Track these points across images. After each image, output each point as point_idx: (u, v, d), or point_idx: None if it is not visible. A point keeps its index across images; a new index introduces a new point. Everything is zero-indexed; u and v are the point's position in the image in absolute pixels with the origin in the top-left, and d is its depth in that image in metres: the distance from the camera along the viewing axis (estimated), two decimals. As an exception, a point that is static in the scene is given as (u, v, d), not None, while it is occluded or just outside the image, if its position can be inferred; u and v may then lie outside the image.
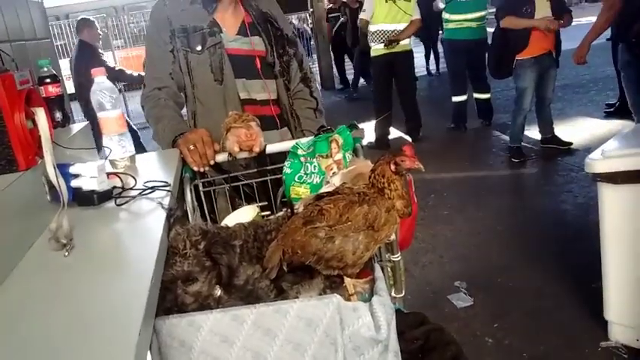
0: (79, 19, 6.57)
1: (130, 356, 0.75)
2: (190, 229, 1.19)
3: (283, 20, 2.11)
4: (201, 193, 1.78)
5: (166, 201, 1.33)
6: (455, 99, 6.50)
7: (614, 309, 2.39)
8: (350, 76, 10.79)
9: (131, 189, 1.41)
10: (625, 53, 3.83)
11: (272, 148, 1.80)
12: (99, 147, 1.93)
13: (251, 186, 1.85)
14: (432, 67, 11.50)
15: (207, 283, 1.16)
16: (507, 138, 5.57)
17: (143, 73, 2.07)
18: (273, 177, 1.81)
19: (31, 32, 1.98)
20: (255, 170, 1.83)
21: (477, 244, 3.70)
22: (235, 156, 1.76)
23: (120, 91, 5.97)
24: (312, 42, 12.50)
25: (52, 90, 1.75)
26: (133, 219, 1.31)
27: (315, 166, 1.67)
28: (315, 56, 12.13)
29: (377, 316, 1.10)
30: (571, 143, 5.28)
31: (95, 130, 1.85)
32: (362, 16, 6.19)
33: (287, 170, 1.71)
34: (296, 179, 1.68)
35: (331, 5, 11.04)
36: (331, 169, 1.63)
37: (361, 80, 10.39)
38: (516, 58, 4.94)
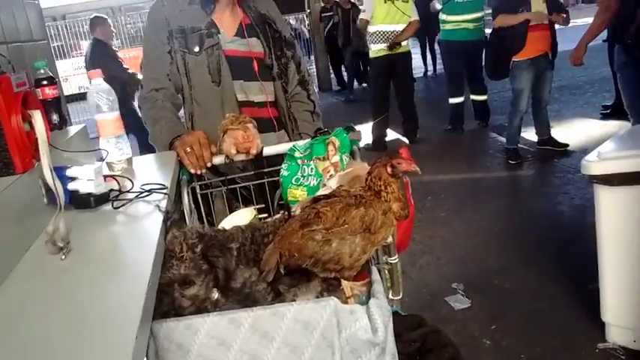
0: (91, 17, 6.53)
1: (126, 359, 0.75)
2: (187, 232, 1.19)
3: (281, 22, 2.11)
4: (199, 196, 1.78)
5: (163, 204, 1.33)
6: (452, 100, 6.51)
7: (611, 311, 2.40)
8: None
9: (128, 192, 1.41)
10: (621, 55, 3.84)
11: (269, 150, 1.80)
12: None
13: (248, 188, 1.85)
14: (430, 68, 11.52)
15: (205, 287, 1.16)
16: (504, 139, 5.58)
17: None
18: (270, 179, 1.81)
19: (27, 33, 1.98)
20: (253, 173, 1.83)
21: (474, 245, 3.71)
22: (232, 158, 1.76)
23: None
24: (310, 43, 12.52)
25: (49, 92, 1.74)
26: (130, 222, 1.31)
27: (312, 168, 1.67)
28: (312, 57, 12.14)
29: (374, 319, 1.10)
30: (567, 145, 5.29)
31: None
32: (362, 16, 6.20)
33: (284, 173, 1.71)
34: (293, 182, 1.68)
35: (324, 5, 11.04)
36: (328, 172, 1.63)
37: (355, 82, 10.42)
38: (513, 59, 4.96)
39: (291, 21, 12.68)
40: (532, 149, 5.50)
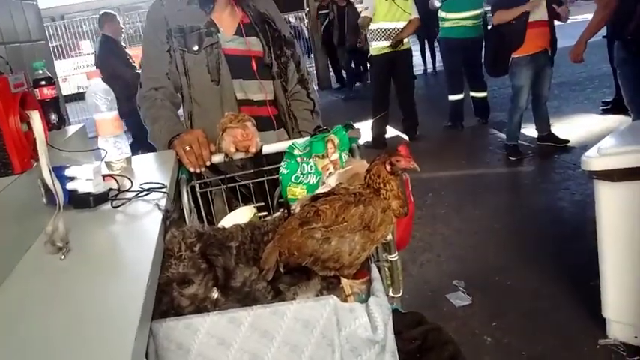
0: (100, 13, 6.51)
1: (126, 359, 0.75)
2: (186, 232, 1.19)
3: (281, 21, 2.11)
4: (198, 195, 1.78)
5: (162, 203, 1.33)
6: (451, 97, 6.51)
7: (612, 307, 2.39)
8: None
9: (127, 191, 1.41)
10: (621, 51, 3.84)
11: (268, 148, 1.80)
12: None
13: (248, 187, 1.85)
14: (429, 65, 11.52)
15: (204, 286, 1.16)
16: (504, 136, 5.58)
17: None
18: (269, 178, 1.81)
19: (25, 34, 1.97)
20: (252, 171, 1.83)
21: (475, 242, 3.71)
22: (231, 157, 1.76)
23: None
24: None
25: (48, 92, 1.74)
26: (129, 221, 1.31)
27: (311, 166, 1.67)
28: (312, 56, 12.13)
29: (374, 317, 1.10)
30: (568, 141, 5.29)
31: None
32: (364, 13, 6.17)
33: (283, 171, 1.71)
34: (292, 180, 1.68)
35: (320, 2, 11.03)
36: (327, 170, 1.63)
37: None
38: (512, 56, 4.96)
39: (291, 19, 12.66)
40: (532, 145, 5.49)
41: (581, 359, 2.40)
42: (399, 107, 6.50)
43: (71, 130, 1.81)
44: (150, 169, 1.70)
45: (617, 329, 2.42)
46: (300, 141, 1.75)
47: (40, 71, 1.75)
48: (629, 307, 2.33)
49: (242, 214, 1.65)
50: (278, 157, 1.77)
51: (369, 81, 11.07)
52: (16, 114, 1.22)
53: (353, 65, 10.58)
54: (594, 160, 2.25)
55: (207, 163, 1.75)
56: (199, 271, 1.15)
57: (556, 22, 5.02)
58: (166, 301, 1.12)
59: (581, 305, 2.73)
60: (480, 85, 6.44)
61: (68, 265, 1.07)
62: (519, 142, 5.32)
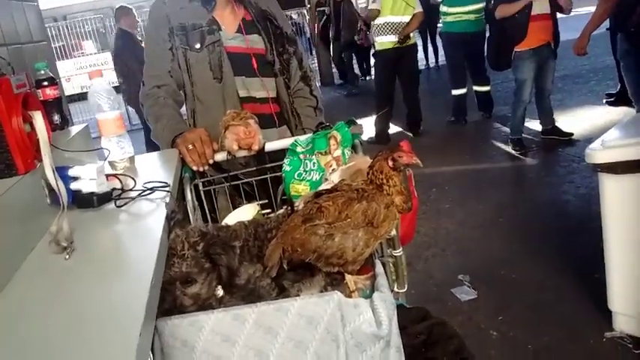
0: (116, 7, 6.50)
1: (131, 358, 0.75)
2: (189, 231, 1.19)
3: (282, 18, 2.11)
4: (202, 193, 1.78)
5: (166, 201, 1.33)
6: (454, 92, 6.50)
7: (618, 299, 2.39)
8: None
9: (131, 190, 1.41)
10: (624, 43, 3.82)
11: (271, 145, 1.80)
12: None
13: (251, 184, 1.85)
14: (432, 60, 11.50)
15: (207, 285, 1.16)
16: (508, 130, 5.57)
17: None
18: (272, 175, 1.81)
19: (27, 35, 1.98)
20: (255, 168, 1.83)
21: (479, 237, 3.70)
22: (234, 154, 1.76)
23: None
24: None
25: (50, 93, 1.74)
26: (132, 220, 1.31)
27: (314, 163, 1.67)
28: (314, 52, 12.12)
29: (378, 312, 1.11)
30: (572, 134, 5.27)
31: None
32: (372, 6, 6.11)
33: (286, 168, 1.71)
34: (295, 177, 1.68)
35: None
36: (330, 166, 1.63)
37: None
38: (515, 49, 4.94)
39: (293, 16, 12.64)
40: (536, 139, 5.48)
41: (588, 352, 2.40)
42: (403, 102, 6.48)
43: (74, 130, 1.81)
44: (153, 167, 1.70)
45: (624, 322, 2.41)
46: (302, 138, 1.75)
47: (43, 72, 1.75)
48: (636, 299, 2.33)
49: (245, 212, 1.65)
50: (281, 154, 1.78)
51: (365, 78, 11.11)
52: (19, 115, 1.23)
53: (355, 62, 10.57)
54: (598, 153, 2.24)
55: (211, 161, 1.75)
56: (202, 271, 1.16)
57: (559, 15, 5.00)
58: (169, 300, 1.12)
59: (587, 298, 2.73)
60: (483, 79, 6.41)
61: (73, 264, 1.07)
62: (523, 135, 5.30)
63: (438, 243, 3.68)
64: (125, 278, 1.02)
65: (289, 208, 1.35)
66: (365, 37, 9.09)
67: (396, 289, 1.52)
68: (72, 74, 13.52)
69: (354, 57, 10.60)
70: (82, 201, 1.36)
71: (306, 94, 2.11)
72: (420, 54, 9.19)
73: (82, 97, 9.46)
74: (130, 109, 9.80)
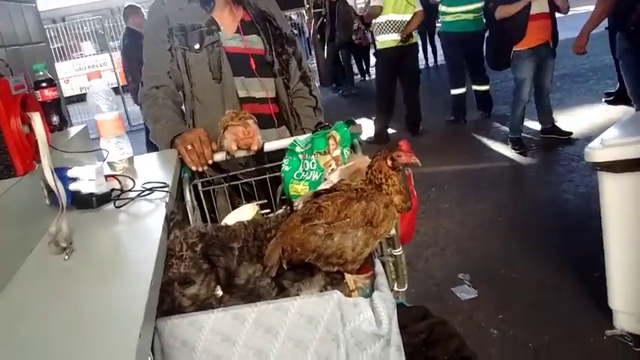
0: (125, 6, 6.47)
1: (130, 359, 0.75)
2: (188, 232, 1.19)
3: (282, 19, 2.11)
4: (201, 193, 1.78)
5: (165, 202, 1.33)
6: (454, 92, 6.50)
7: (618, 297, 2.39)
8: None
9: (130, 191, 1.41)
10: (623, 41, 3.82)
11: (270, 145, 1.80)
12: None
13: (250, 184, 1.85)
14: (431, 60, 11.50)
15: (205, 286, 1.16)
16: (507, 129, 5.57)
17: None
18: (271, 175, 1.81)
19: (25, 37, 1.98)
20: (254, 169, 1.83)
21: (479, 236, 3.70)
22: (233, 154, 1.76)
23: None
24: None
25: (48, 94, 1.75)
26: (132, 221, 1.31)
27: (313, 163, 1.67)
28: (313, 53, 12.12)
29: (378, 311, 1.10)
30: (571, 133, 5.27)
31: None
32: (374, 3, 6.06)
33: (285, 168, 1.71)
34: (294, 177, 1.68)
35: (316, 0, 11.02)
36: (329, 166, 1.63)
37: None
38: (514, 49, 4.94)
39: (293, 16, 12.64)
40: (536, 138, 5.48)
41: (588, 350, 2.40)
42: (403, 102, 6.48)
43: (73, 131, 1.81)
44: (152, 168, 1.70)
45: (624, 320, 2.42)
46: (301, 138, 1.75)
47: (41, 73, 1.75)
48: (636, 297, 2.33)
49: (245, 212, 1.65)
50: (280, 154, 1.78)
51: (364, 78, 11.10)
52: (17, 116, 1.22)
53: (354, 62, 10.57)
54: (598, 152, 2.24)
55: (210, 162, 1.75)
56: (200, 272, 1.15)
57: (557, 14, 5.00)
58: (168, 301, 1.12)
59: (587, 296, 2.73)
60: (483, 78, 6.42)
61: (72, 265, 1.07)
62: (522, 134, 5.30)
63: (438, 242, 3.68)
64: (124, 279, 1.02)
65: (288, 208, 1.35)
66: (363, 36, 9.09)
67: (395, 288, 1.52)
68: (71, 75, 13.53)
69: (353, 57, 10.59)
70: (81, 202, 1.36)
71: (306, 94, 2.11)
72: (420, 54, 9.21)
73: (80, 98, 9.47)
74: (129, 109, 9.80)
